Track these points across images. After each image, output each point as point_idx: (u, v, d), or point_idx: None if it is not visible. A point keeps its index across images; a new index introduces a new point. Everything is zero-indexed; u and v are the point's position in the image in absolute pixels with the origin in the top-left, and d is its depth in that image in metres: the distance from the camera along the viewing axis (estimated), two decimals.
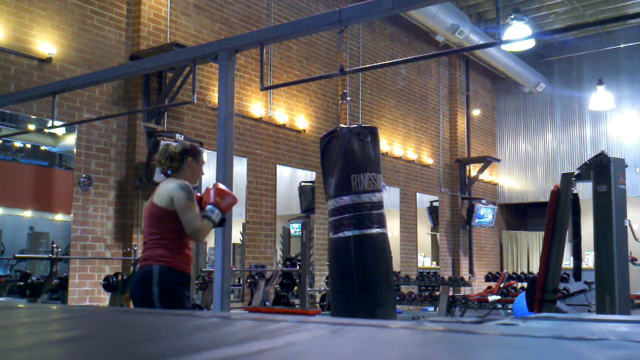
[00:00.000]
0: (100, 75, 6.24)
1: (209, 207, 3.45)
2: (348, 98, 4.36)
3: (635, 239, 6.96)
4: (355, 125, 4.31)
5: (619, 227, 5.68)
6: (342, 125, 4.34)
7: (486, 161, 14.50)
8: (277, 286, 8.76)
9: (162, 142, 3.78)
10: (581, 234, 5.95)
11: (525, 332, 1.31)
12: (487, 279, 11.73)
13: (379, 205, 4.15)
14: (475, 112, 15.49)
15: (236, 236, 9.08)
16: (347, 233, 4.05)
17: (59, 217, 7.76)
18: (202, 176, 3.74)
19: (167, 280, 3.33)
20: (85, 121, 7.32)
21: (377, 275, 4.11)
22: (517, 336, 1.23)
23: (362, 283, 4.07)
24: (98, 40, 7.67)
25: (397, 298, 9.67)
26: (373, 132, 4.27)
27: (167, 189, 3.45)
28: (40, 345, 1.21)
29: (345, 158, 4.11)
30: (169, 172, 3.57)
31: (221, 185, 3.61)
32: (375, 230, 4.07)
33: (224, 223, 3.59)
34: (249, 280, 8.65)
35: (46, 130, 7.22)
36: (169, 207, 3.40)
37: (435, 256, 14.18)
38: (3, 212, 7.34)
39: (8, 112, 6.98)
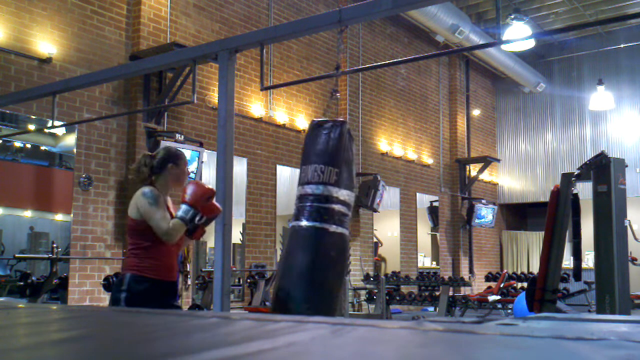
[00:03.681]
0: (100, 75, 6.23)
1: (182, 206, 3.36)
2: (338, 95, 4.34)
3: (635, 239, 6.96)
4: (322, 119, 4.22)
5: (619, 227, 5.68)
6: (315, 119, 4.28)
7: (486, 161, 14.49)
8: None
9: (142, 153, 3.69)
10: (581, 234, 5.94)
11: (525, 332, 1.31)
12: (487, 279, 11.72)
13: (322, 198, 3.93)
14: (475, 112, 15.48)
15: (236, 236, 9.07)
16: (292, 223, 4.03)
17: (59, 217, 7.76)
18: (193, 175, 3.72)
19: (134, 287, 3.36)
20: (85, 121, 7.32)
21: (297, 269, 3.94)
22: (517, 336, 1.23)
23: (284, 274, 4.02)
24: (98, 40, 7.67)
25: (397, 298, 9.64)
26: (336, 125, 4.09)
27: (133, 198, 3.41)
28: (40, 345, 1.21)
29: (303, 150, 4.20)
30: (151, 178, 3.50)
31: (193, 182, 3.49)
32: (305, 223, 3.92)
33: (208, 221, 3.46)
34: (249, 280, 8.64)
35: (46, 130, 7.21)
36: (137, 216, 3.37)
37: (435, 256, 14.17)
38: (3, 212, 7.34)
39: (8, 112, 6.97)
